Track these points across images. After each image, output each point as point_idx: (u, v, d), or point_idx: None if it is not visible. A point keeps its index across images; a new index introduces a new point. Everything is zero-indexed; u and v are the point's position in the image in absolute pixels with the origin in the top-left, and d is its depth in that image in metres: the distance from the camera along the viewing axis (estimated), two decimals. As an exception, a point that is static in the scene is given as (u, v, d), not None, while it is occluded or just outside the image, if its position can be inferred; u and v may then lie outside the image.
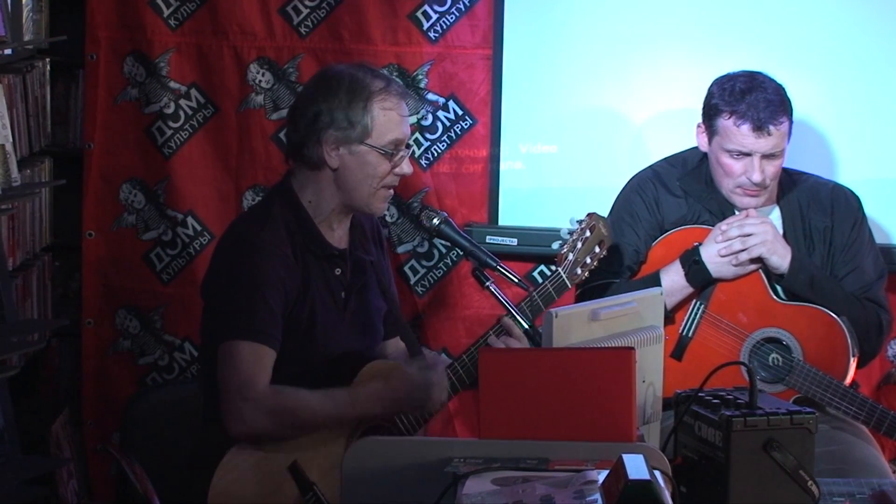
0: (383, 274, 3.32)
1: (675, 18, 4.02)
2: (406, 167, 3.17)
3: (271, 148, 4.15)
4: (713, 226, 3.50)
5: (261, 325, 3.00)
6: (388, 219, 4.13)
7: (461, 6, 4.09)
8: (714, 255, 3.45)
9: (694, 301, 3.49)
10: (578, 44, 4.07)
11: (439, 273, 4.19)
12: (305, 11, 4.13)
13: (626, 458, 2.17)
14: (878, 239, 3.74)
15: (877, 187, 3.94)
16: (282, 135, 4.07)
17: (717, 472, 2.51)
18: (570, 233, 3.29)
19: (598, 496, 2.18)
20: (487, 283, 3.16)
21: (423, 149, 4.13)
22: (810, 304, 3.46)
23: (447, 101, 4.14)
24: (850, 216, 3.58)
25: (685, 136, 3.66)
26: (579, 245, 3.28)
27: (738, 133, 3.42)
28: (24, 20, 3.75)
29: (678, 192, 3.59)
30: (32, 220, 3.95)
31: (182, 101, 4.18)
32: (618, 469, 2.15)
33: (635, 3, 4.04)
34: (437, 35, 4.11)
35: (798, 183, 3.61)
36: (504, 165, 4.12)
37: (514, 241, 4.07)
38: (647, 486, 2.09)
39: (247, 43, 4.15)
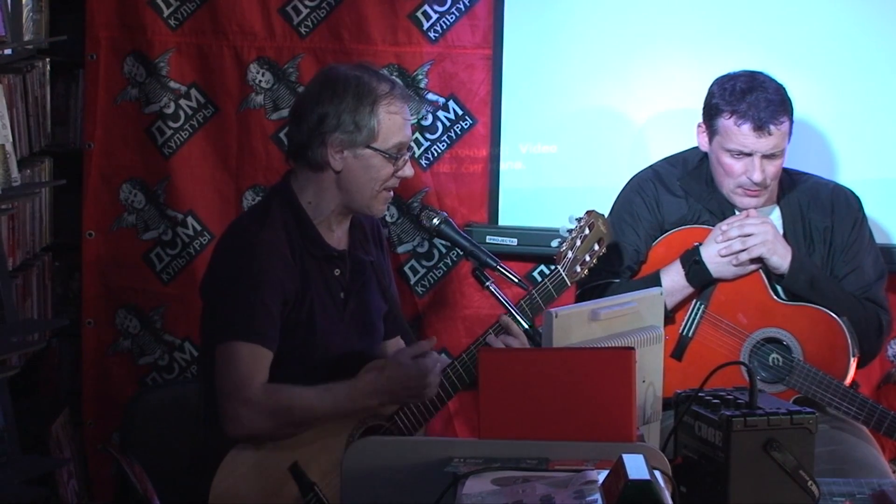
0: (383, 274, 3.32)
1: (675, 18, 4.02)
2: (408, 170, 3.18)
3: (271, 148, 4.15)
4: (713, 226, 3.50)
5: (258, 326, 3.00)
6: (388, 219, 4.13)
7: (461, 6, 4.09)
8: (714, 255, 3.45)
9: (694, 301, 3.49)
10: (578, 44, 4.07)
11: (439, 273, 4.19)
12: (305, 11, 4.13)
13: (626, 458, 2.17)
14: (878, 239, 3.74)
15: (877, 187, 3.94)
16: (282, 135, 4.07)
17: (717, 472, 2.51)
18: (569, 231, 3.29)
19: (598, 496, 2.18)
20: (487, 283, 3.16)
21: (423, 149, 4.14)
22: (810, 305, 3.46)
23: (447, 101, 4.14)
24: (850, 216, 3.58)
25: (685, 136, 3.66)
26: (578, 243, 3.28)
27: (739, 133, 3.42)
28: (24, 20, 3.75)
29: (679, 193, 3.59)
30: (32, 220, 3.94)
31: (182, 101, 4.18)
32: (618, 469, 2.15)
33: (635, 3, 4.04)
34: (437, 35, 4.11)
35: (798, 183, 3.61)
36: (504, 165, 4.12)
37: (514, 241, 4.07)
38: (647, 486, 2.09)
39: (247, 43, 4.15)
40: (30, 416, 3.74)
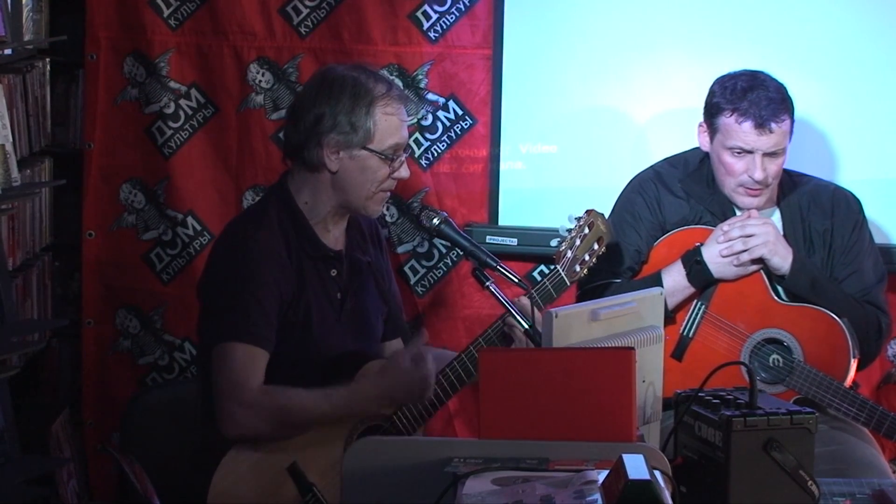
0: (381, 275, 3.32)
1: (675, 18, 4.02)
2: (404, 171, 3.18)
3: (271, 148, 4.15)
4: (715, 226, 3.50)
5: (254, 327, 3.00)
6: (388, 219, 4.13)
7: (461, 6, 4.09)
8: (716, 255, 3.45)
9: (695, 301, 3.49)
10: (578, 44, 4.07)
11: (439, 273, 4.19)
12: (305, 11, 4.13)
13: (626, 458, 2.17)
14: (878, 239, 3.74)
15: (877, 187, 3.94)
16: (281, 134, 4.07)
17: (717, 472, 2.51)
18: (569, 230, 3.29)
19: (598, 496, 2.18)
20: (487, 283, 3.16)
21: (423, 149, 4.13)
22: (811, 306, 3.45)
23: (447, 101, 4.13)
24: (850, 219, 3.58)
25: (686, 136, 3.66)
26: (578, 242, 3.28)
27: (740, 130, 3.42)
28: (24, 20, 3.75)
29: (680, 193, 3.59)
30: (32, 220, 3.94)
31: (182, 101, 4.18)
32: (618, 469, 2.15)
33: (636, 3, 4.04)
34: (437, 35, 4.11)
35: (799, 185, 3.61)
36: (504, 165, 4.12)
37: (514, 241, 4.07)
38: (647, 486, 2.09)
39: (247, 43, 4.15)
40: (30, 416, 3.74)
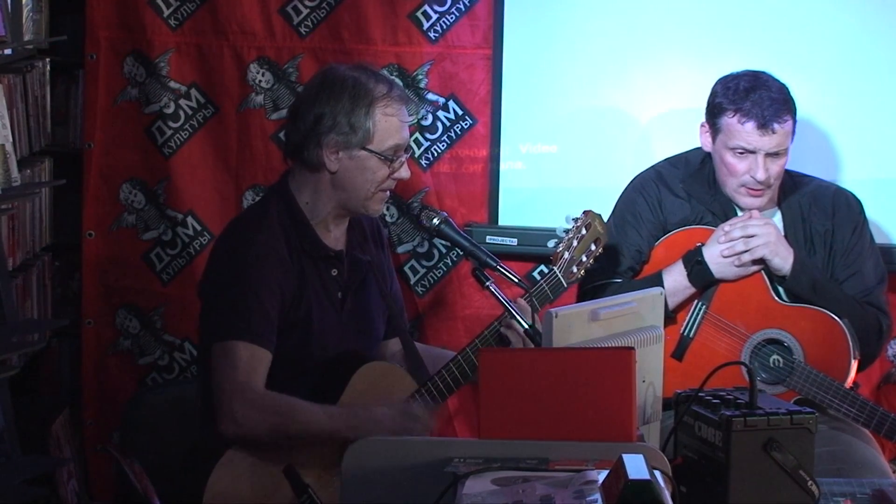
0: (383, 274, 3.32)
1: (676, 18, 4.02)
2: (404, 172, 3.17)
3: (271, 148, 4.15)
4: (716, 227, 3.49)
5: (256, 327, 2.99)
6: (388, 219, 4.13)
7: (461, 6, 4.09)
8: (716, 255, 3.45)
9: (696, 301, 3.49)
10: (578, 44, 4.07)
11: (439, 273, 4.19)
12: (305, 11, 4.13)
13: (626, 458, 2.16)
14: (879, 239, 3.74)
15: (878, 187, 3.94)
16: (282, 134, 4.07)
17: (717, 472, 2.50)
18: (566, 231, 3.29)
19: (598, 496, 2.18)
20: (487, 283, 3.15)
21: (423, 149, 4.13)
22: (812, 306, 3.45)
23: (447, 101, 4.14)
24: (851, 220, 3.58)
25: (686, 136, 3.66)
26: (575, 243, 3.27)
27: (743, 130, 3.42)
28: (24, 20, 3.75)
29: (681, 193, 3.59)
30: (32, 220, 3.94)
31: (182, 101, 4.18)
32: (618, 469, 2.15)
33: (636, 3, 4.04)
34: (437, 35, 4.11)
35: (800, 186, 3.61)
36: (504, 165, 4.12)
37: (514, 241, 4.07)
38: (647, 486, 2.09)
39: (247, 43, 4.15)
40: (30, 416, 3.74)
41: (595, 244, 3.30)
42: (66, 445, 4.01)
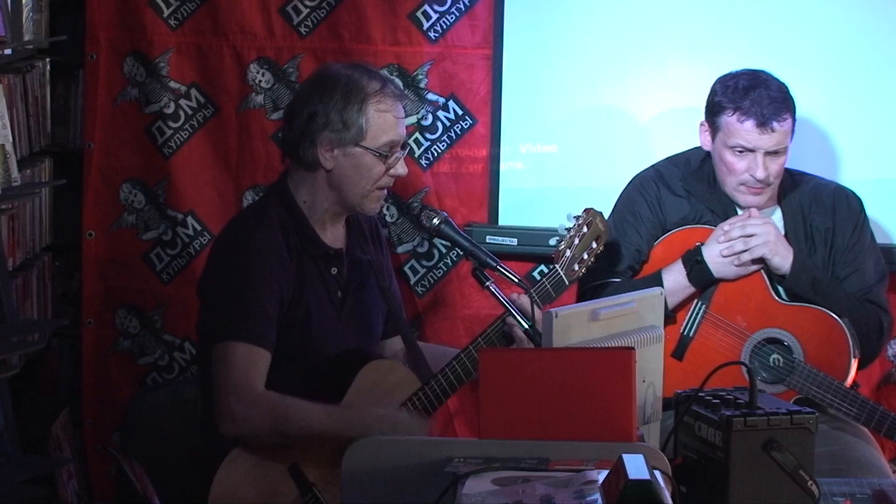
0: (382, 273, 3.32)
1: (676, 18, 4.02)
2: (401, 168, 3.17)
3: (271, 148, 4.15)
4: (715, 226, 3.49)
5: (255, 327, 2.99)
6: (388, 219, 4.12)
7: (461, 6, 4.09)
8: (716, 255, 3.45)
9: (695, 301, 3.49)
10: (578, 44, 4.07)
11: (439, 273, 4.19)
12: (305, 11, 4.13)
13: (626, 458, 2.16)
14: (879, 239, 3.74)
15: (878, 187, 3.94)
16: (279, 134, 4.07)
17: (717, 472, 2.51)
18: (567, 229, 3.29)
19: (598, 496, 2.18)
20: (487, 283, 3.15)
21: (423, 149, 4.13)
22: (812, 305, 3.45)
23: (447, 101, 4.13)
24: (851, 218, 3.58)
25: (687, 135, 3.66)
26: (576, 241, 3.27)
27: (742, 129, 3.42)
28: (24, 20, 3.75)
29: (681, 192, 3.59)
30: (32, 220, 3.94)
31: (182, 101, 4.18)
32: (618, 469, 2.15)
33: (636, 2, 4.04)
34: (437, 35, 4.11)
35: (800, 184, 3.61)
36: (504, 165, 4.11)
37: (514, 241, 4.07)
38: (647, 486, 2.09)
39: (247, 43, 4.15)
40: (30, 416, 3.74)
41: (596, 242, 3.30)
42: (66, 445, 4.01)
